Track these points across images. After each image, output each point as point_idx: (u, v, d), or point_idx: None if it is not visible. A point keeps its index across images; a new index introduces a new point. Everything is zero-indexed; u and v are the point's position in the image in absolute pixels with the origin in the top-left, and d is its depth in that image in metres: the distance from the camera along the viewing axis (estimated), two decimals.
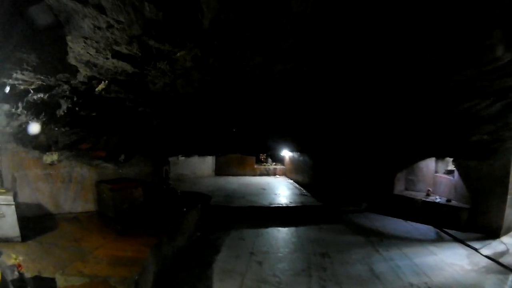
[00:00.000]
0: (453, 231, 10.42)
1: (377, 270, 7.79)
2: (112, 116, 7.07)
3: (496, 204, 9.68)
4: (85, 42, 4.20)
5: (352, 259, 8.40)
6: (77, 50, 4.43)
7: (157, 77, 5.28)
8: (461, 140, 8.59)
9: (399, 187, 13.36)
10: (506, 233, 9.88)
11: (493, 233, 9.73)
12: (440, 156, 11.95)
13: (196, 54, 4.44)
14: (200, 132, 10.05)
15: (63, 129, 7.21)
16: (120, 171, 9.62)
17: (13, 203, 6.48)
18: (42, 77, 5.09)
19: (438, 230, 10.74)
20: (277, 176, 22.78)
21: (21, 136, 7.37)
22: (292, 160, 21.33)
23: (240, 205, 13.71)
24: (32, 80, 5.18)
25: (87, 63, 4.77)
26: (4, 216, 6.41)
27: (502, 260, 8.41)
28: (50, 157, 8.28)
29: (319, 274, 7.67)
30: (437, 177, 12.50)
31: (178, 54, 4.41)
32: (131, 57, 4.47)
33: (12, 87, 5.36)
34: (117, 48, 4.24)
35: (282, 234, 10.59)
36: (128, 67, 4.76)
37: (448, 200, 11.31)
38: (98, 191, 8.94)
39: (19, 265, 5.06)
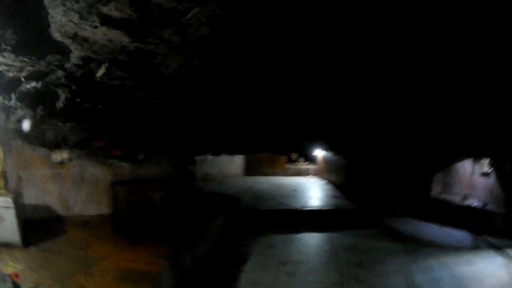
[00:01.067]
0: (489, 237, 9.67)
1: (417, 282, 7.07)
2: (123, 110, 6.11)
3: None
4: (63, 5, 3.07)
5: (389, 270, 7.73)
6: (58, 18, 3.35)
7: (168, 55, 4.20)
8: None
9: (436, 190, 12.68)
10: None
11: None
12: (478, 156, 11.05)
13: (214, 12, 3.20)
14: (228, 129, 9.21)
15: (68, 124, 6.37)
16: (139, 171, 8.78)
17: (12, 205, 5.93)
18: (27, 60, 4.18)
19: (474, 237, 9.98)
20: (309, 176, 21.77)
21: (27, 133, 6.59)
22: (325, 159, 20.41)
23: (270, 208, 12.95)
24: (16, 64, 4.30)
25: (75, 37, 3.71)
26: (3, 220, 5.89)
27: None
28: (59, 155, 7.51)
29: None
30: (473, 179, 11.63)
31: (190, 15, 3.20)
32: (126, 23, 3.32)
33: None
34: (104, 9, 3.12)
35: (314, 240, 9.94)
36: (126, 40, 3.64)
37: (484, 204, 10.55)
38: (113, 193, 8.16)
39: (16, 275, 4.68)
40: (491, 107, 6.42)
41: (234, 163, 20.13)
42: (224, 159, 18.47)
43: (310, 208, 13.20)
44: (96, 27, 3.39)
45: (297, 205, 13.54)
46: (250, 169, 21.08)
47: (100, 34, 3.53)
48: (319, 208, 13.25)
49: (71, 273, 5.36)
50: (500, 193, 10.15)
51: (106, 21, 3.27)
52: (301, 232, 10.36)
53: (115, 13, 3.18)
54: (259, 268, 7.69)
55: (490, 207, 10.37)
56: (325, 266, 8.05)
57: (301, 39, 4.01)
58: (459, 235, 10.13)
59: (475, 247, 9.21)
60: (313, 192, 16.96)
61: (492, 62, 4.70)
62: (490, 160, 10.43)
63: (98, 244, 6.64)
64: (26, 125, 5.89)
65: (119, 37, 3.60)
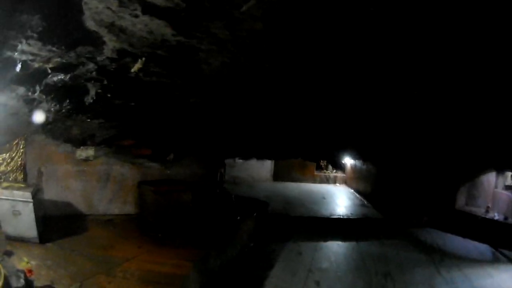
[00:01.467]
0: (509, 251, 9.74)
1: None
2: (156, 108, 5.65)
3: None
4: None
5: (415, 281, 7.78)
6: (94, 4, 2.84)
7: (211, 52, 3.74)
8: None
9: (461, 202, 12.53)
10: None
11: None
12: (502, 169, 11.13)
13: (272, 6, 2.66)
14: (259, 133, 8.90)
15: (96, 121, 6.03)
16: (168, 172, 8.58)
17: (31, 200, 5.66)
18: (55, 49, 3.70)
19: (494, 250, 9.94)
20: (337, 184, 21.65)
21: (51, 127, 6.26)
22: (353, 168, 20.21)
23: (299, 214, 12.90)
24: (43, 54, 3.82)
25: (112, 27, 3.21)
26: (20, 214, 5.64)
27: None
28: (85, 152, 7.25)
29: None
30: (497, 192, 11.61)
31: (244, 7, 2.65)
32: (172, 13, 2.81)
33: (24, 64, 4.02)
34: None
35: (342, 249, 9.85)
36: (168, 33, 3.13)
37: (505, 218, 10.39)
38: (140, 193, 7.97)
39: (30, 271, 4.46)
40: None
41: (263, 168, 20.04)
42: (253, 163, 18.30)
43: (338, 216, 13.20)
44: (137, 16, 2.89)
45: (326, 213, 13.54)
46: (279, 175, 20.87)
47: (141, 24, 3.04)
48: (347, 217, 13.26)
49: (91, 273, 5.13)
50: None
51: (149, 9, 2.76)
52: (329, 240, 10.29)
53: (160, 1, 2.64)
54: (287, 274, 7.59)
55: (511, 220, 10.32)
56: (352, 274, 8.02)
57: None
58: (481, 248, 10.19)
59: (495, 260, 9.32)
60: (341, 200, 16.93)
61: None
62: None
63: (122, 245, 6.38)
64: (46, 118, 5.44)
65: (161, 29, 3.10)
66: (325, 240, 10.17)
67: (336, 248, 9.79)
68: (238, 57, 3.94)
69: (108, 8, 2.90)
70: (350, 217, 13.13)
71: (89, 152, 7.21)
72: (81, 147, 7.10)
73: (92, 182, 7.61)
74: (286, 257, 8.53)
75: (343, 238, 10.47)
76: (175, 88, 4.86)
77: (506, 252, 9.71)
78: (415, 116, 6.97)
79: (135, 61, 4.09)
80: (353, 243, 10.19)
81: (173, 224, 7.55)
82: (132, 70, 4.19)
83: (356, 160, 18.13)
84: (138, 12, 2.82)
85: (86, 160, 7.32)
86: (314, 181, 21.18)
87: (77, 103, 5.12)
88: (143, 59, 3.90)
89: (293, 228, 10.89)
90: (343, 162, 20.38)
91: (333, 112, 6.95)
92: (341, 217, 13.08)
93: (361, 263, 8.73)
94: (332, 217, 12.93)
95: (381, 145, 10.13)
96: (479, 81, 4.69)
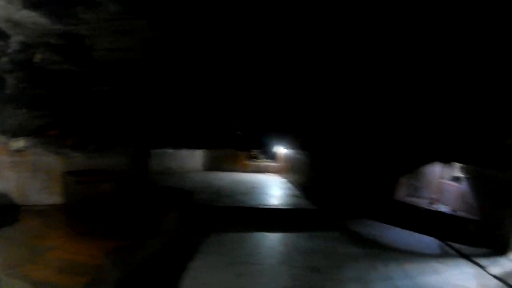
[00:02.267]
0: (458, 244, 9.41)
1: None
2: (69, 97, 6.56)
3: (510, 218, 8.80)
4: None
5: (347, 277, 7.37)
6: None
7: (92, 37, 4.76)
8: (489, 143, 7.63)
9: (401, 193, 12.43)
10: None
11: (502, 249, 8.81)
12: (447, 161, 10.91)
13: None
14: (188, 123, 9.27)
15: (23, 112, 6.83)
16: (92, 161, 9.07)
17: None
18: None
19: (442, 243, 9.71)
20: (270, 173, 21.22)
21: None
22: (286, 157, 20.01)
23: (226, 204, 12.55)
24: None
25: (9, 21, 4.29)
26: None
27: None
28: (17, 143, 7.93)
29: None
30: (443, 184, 11.65)
31: None
32: (41, 4, 3.93)
33: None
34: None
35: (268, 241, 9.60)
36: (46, 22, 4.24)
37: (453, 210, 10.51)
38: (65, 183, 8.44)
39: None
40: (463, 113, 6.39)
41: (195, 158, 19.86)
42: (184, 153, 18.52)
43: (267, 207, 12.73)
44: (20, 9, 3.99)
45: (253, 203, 13.01)
46: (210, 165, 20.78)
47: (25, 17, 4.12)
48: (276, 207, 12.82)
49: (21, 261, 5.53)
50: (473, 199, 9.95)
51: (26, 3, 3.87)
52: (256, 232, 10.05)
53: None
54: (207, 267, 7.43)
55: (461, 213, 10.21)
56: (278, 269, 7.70)
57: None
58: (426, 241, 9.95)
59: (443, 255, 9.01)
60: (273, 190, 16.30)
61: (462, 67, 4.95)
62: (463, 165, 10.32)
63: (48, 234, 6.79)
64: None
65: (40, 19, 4.21)
66: (251, 231, 9.84)
67: (261, 240, 9.50)
68: (118, 40, 4.83)
69: (5, 3, 3.94)
70: (279, 208, 12.62)
71: (20, 143, 7.91)
72: (13, 138, 7.77)
73: (24, 173, 8.23)
74: (208, 249, 8.35)
75: (270, 230, 10.21)
76: (77, 75, 5.80)
77: (456, 245, 9.43)
78: (351, 106, 7.11)
79: (38, 51, 5.10)
80: (280, 235, 9.99)
81: (96, 215, 7.90)
82: (35, 60, 5.18)
83: (290, 149, 17.80)
84: (20, 6, 3.94)
85: (19, 151, 8.02)
86: (246, 171, 20.94)
87: (1, 94, 5.99)
88: (41, 48, 4.91)
89: (219, 219, 10.70)
90: (275, 151, 20.38)
91: (264, 100, 7.23)
92: (270, 207, 12.59)
93: (287, 256, 8.46)
94: (259, 207, 12.43)
95: (317, 133, 10.08)
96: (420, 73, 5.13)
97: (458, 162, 10.35)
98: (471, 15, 3.92)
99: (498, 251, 8.77)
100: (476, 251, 8.91)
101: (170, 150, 16.08)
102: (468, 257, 8.66)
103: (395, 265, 7.93)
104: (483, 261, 8.31)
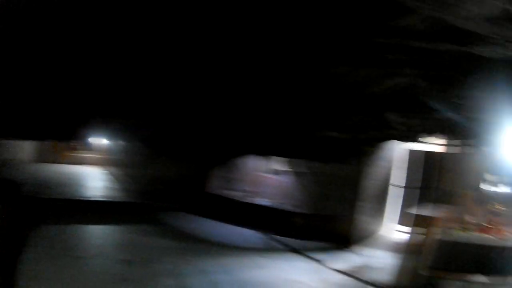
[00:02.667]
0: (286, 238, 9.32)
1: (190, 286, 6.43)
2: None
3: (344, 211, 9.05)
4: None
5: (161, 270, 7.04)
6: None
7: None
8: (309, 137, 7.84)
9: (216, 186, 12.52)
10: (357, 242, 9.08)
11: (342, 243, 8.86)
12: (263, 154, 11.12)
13: None
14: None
15: None
16: None
17: None
18: None
19: (265, 237, 9.62)
20: (91, 165, 22.31)
21: None
22: (108, 149, 20.78)
23: (51, 196, 12.13)
24: None
25: None
26: None
27: (361, 274, 7.24)
28: None
29: None
30: (259, 176, 11.91)
31: None
32: None
33: None
34: None
35: (83, 233, 9.40)
36: None
37: (275, 203, 10.67)
38: None
39: None
40: (273, 107, 6.26)
41: (25, 149, 19.79)
42: (16, 144, 17.76)
43: (85, 198, 12.97)
44: None
45: (72, 195, 13.14)
46: (40, 156, 21.20)
47: None
48: (96, 199, 13.05)
49: None
50: (298, 192, 10.12)
51: None
52: (72, 224, 9.66)
53: None
54: (31, 260, 6.52)
55: (285, 206, 10.27)
56: (88, 261, 7.28)
57: None
58: (247, 235, 9.87)
59: (268, 249, 8.87)
60: (93, 181, 16.98)
61: None
62: (286, 159, 10.48)
63: None
64: None
65: None
66: (67, 223, 9.50)
67: (76, 232, 9.17)
68: None
69: None
70: (99, 200, 12.74)
71: None
72: None
73: None
74: (32, 242, 7.45)
75: (87, 222, 9.99)
76: None
77: (281, 238, 9.39)
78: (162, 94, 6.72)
79: None
80: (94, 227, 9.81)
81: None
82: None
83: (111, 140, 18.11)
84: None
85: None
86: (69, 163, 21.81)
87: None
88: None
89: (44, 211, 9.73)
90: (96, 143, 20.89)
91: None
92: (89, 199, 12.78)
93: (101, 248, 8.21)
94: (79, 199, 12.50)
95: (131, 122, 9.40)
96: None
97: (273, 155, 10.68)
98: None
99: (338, 245, 8.77)
100: (309, 245, 8.86)
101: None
102: (299, 252, 8.52)
103: (211, 259, 7.77)
104: (319, 256, 8.18)
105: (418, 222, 6.88)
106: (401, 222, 9.91)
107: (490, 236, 6.93)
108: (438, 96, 4.82)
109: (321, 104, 5.59)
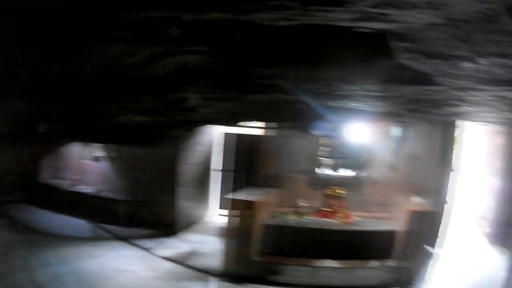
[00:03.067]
0: (113, 226, 9.18)
1: (38, 279, 6.26)
2: None
3: (165, 197, 8.96)
4: None
5: (8, 265, 6.68)
6: None
7: None
8: (106, 120, 7.25)
9: (47, 175, 11.79)
10: (184, 229, 9.17)
11: (167, 229, 8.87)
12: (86, 140, 10.72)
13: None
14: None
15: None
16: None
17: None
18: None
19: (94, 226, 9.39)
20: None
21: None
22: None
23: None
24: None
25: None
26: None
27: (191, 261, 7.31)
28: None
29: None
30: (84, 163, 11.41)
31: None
32: None
33: None
34: None
35: None
36: None
37: (99, 191, 10.36)
38: None
39: None
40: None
41: None
42: None
43: None
44: None
45: None
46: None
47: None
48: None
49: None
50: (119, 180, 9.80)
51: None
52: None
53: None
54: None
55: (107, 193, 9.97)
56: None
57: None
58: (76, 224, 9.61)
59: (96, 238, 8.76)
60: None
61: None
62: (102, 144, 10.12)
63: None
64: None
65: None
66: None
67: None
68: None
69: None
70: None
71: None
72: None
73: None
74: None
75: None
76: None
77: (110, 227, 9.17)
78: None
79: None
80: None
81: None
82: None
83: None
84: None
85: None
86: None
87: None
88: None
89: None
90: None
91: None
92: None
93: None
94: None
95: None
96: None
97: (91, 141, 10.30)
98: None
99: (162, 232, 8.75)
100: (135, 233, 8.85)
101: None
102: (125, 240, 8.37)
103: (51, 251, 7.58)
104: (146, 243, 8.16)
105: (235, 206, 6.81)
106: (221, 207, 10.19)
107: (332, 220, 7.31)
108: (242, 76, 4.58)
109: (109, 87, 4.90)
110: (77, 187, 10.67)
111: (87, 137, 9.38)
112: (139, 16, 2.77)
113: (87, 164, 11.08)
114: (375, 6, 2.28)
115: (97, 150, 11.00)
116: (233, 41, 3.71)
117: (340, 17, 2.53)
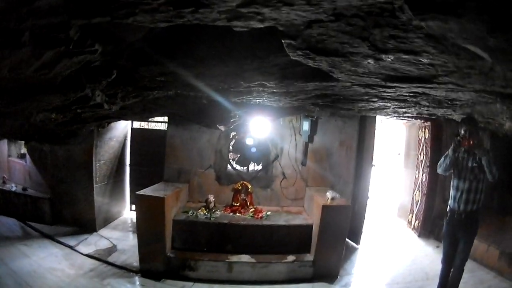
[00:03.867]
0: (40, 224, 9.06)
1: None
2: None
3: (83, 194, 8.87)
4: None
5: None
6: None
7: None
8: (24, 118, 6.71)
9: None
10: (104, 225, 9.22)
11: (88, 227, 8.82)
12: (13, 138, 10.45)
13: None
14: None
15: None
16: None
17: None
18: None
19: (23, 224, 9.21)
20: None
21: None
22: None
23: None
24: None
25: None
26: None
27: (113, 259, 7.25)
28: None
29: None
30: (11, 161, 11.34)
31: None
32: None
33: None
34: None
35: None
36: None
37: (25, 189, 10.14)
38: None
39: None
40: None
41: None
42: None
43: None
44: None
45: None
46: None
47: None
48: None
49: None
50: (40, 177, 9.70)
51: None
52: None
53: None
54: None
55: (31, 191, 9.82)
56: None
57: None
58: (8, 223, 9.31)
59: (26, 236, 8.52)
60: None
61: None
62: (26, 142, 9.78)
63: None
64: None
65: None
66: None
67: None
68: None
69: None
70: None
71: None
72: None
73: None
74: None
75: None
76: None
77: (35, 225, 8.98)
78: None
79: None
80: None
81: None
82: None
83: None
84: None
85: None
86: None
87: None
88: None
89: None
90: None
91: None
92: None
93: None
94: None
95: None
96: None
97: (15, 139, 10.06)
98: None
99: (84, 229, 8.72)
100: (59, 230, 8.77)
101: None
102: (51, 238, 8.25)
103: None
104: (70, 241, 8.06)
105: (143, 202, 6.74)
106: (132, 202, 10.24)
107: (242, 215, 7.30)
108: (139, 74, 4.61)
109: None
110: (7, 185, 10.43)
111: (12, 135, 8.69)
112: (42, 23, 2.78)
113: (13, 162, 11.00)
114: (245, 5, 2.22)
115: (22, 147, 10.88)
116: (124, 41, 3.74)
117: (212, 17, 2.51)
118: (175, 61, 4.19)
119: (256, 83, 4.62)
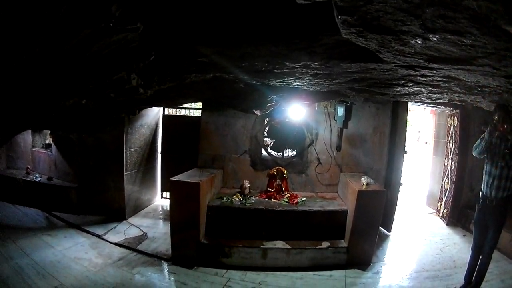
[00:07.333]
0: (66, 214, 8.96)
1: (3, 274, 5.95)
2: None
3: (113, 182, 8.82)
4: None
5: None
6: None
7: None
8: (53, 105, 6.62)
9: (3, 166, 11.63)
10: (133, 213, 9.16)
11: (117, 215, 8.75)
12: (39, 129, 10.59)
13: None
14: None
15: None
16: None
17: None
18: None
19: (47, 215, 9.11)
20: None
21: None
22: None
23: None
24: None
25: None
26: None
27: (143, 247, 7.17)
28: None
29: None
30: (35, 152, 11.27)
31: None
32: None
33: None
34: None
35: None
36: None
37: (50, 179, 10.08)
38: None
39: None
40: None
41: None
42: None
43: None
44: None
45: None
46: None
47: None
48: None
49: None
50: (66, 166, 9.66)
51: None
52: None
53: None
54: None
55: (57, 181, 9.81)
56: None
57: None
58: (31, 214, 9.26)
59: (51, 227, 8.43)
60: None
61: None
62: (53, 132, 9.81)
63: None
64: None
65: None
66: None
67: None
68: None
69: None
70: None
71: None
72: None
73: None
74: None
75: None
76: None
77: (61, 215, 8.92)
78: None
79: None
80: None
81: None
82: None
83: None
84: None
85: None
86: None
87: None
88: None
89: None
90: None
91: None
92: None
93: None
94: None
95: None
96: None
97: (43, 128, 10.02)
98: None
99: (118, 217, 8.68)
100: (86, 219, 8.71)
101: None
102: (78, 227, 8.19)
103: (12, 244, 7.26)
104: (98, 230, 7.99)
105: (176, 188, 6.64)
106: (163, 189, 10.24)
107: (278, 201, 7.21)
108: (180, 55, 4.52)
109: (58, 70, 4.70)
110: (31, 176, 10.41)
111: (37, 125, 8.74)
112: None
113: (38, 152, 10.93)
114: None
115: (47, 137, 10.88)
116: (168, 19, 3.65)
117: None
118: (219, 42, 4.14)
119: (301, 63, 4.58)
